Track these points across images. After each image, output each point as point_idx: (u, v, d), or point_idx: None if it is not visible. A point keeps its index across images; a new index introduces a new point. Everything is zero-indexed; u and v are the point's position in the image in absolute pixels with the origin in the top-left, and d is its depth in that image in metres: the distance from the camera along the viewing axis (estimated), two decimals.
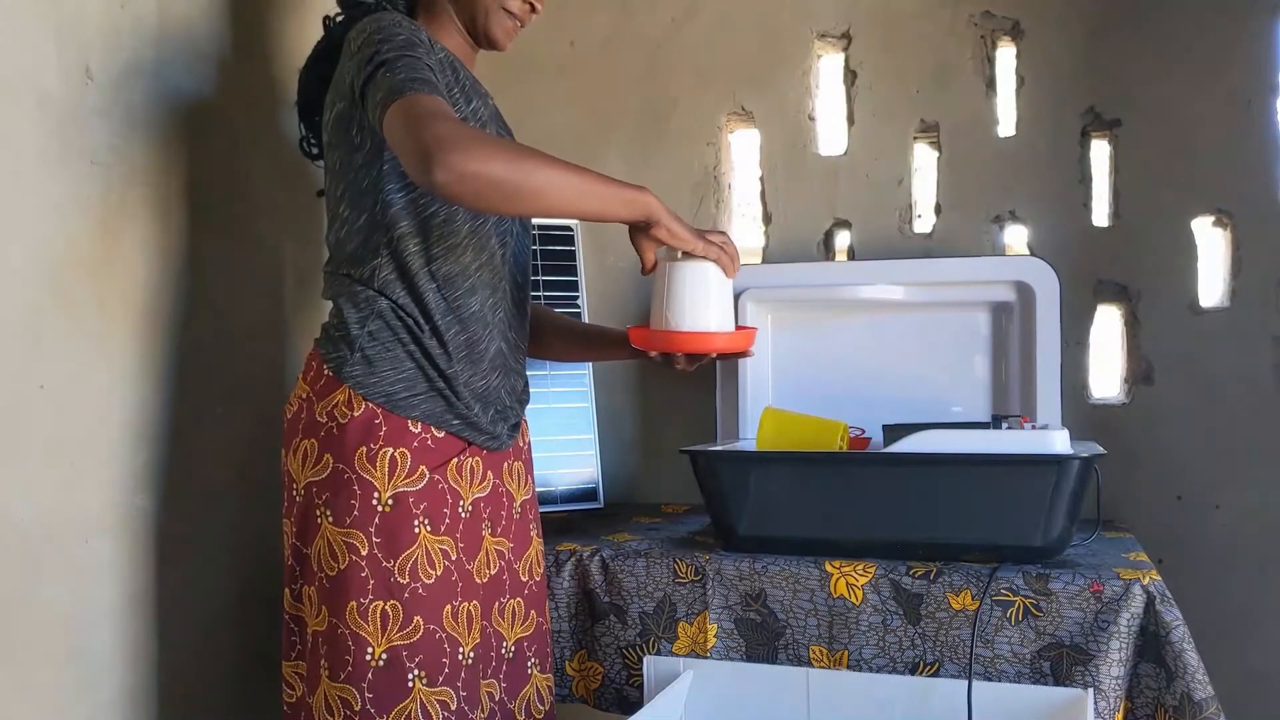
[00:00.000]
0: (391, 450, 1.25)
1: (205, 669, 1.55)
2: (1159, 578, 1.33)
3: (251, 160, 1.64)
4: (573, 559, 1.56)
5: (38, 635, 1.27)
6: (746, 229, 2.07)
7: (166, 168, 1.48)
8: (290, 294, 1.74)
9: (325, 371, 1.29)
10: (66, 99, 1.31)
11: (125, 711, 1.41)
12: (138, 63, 1.42)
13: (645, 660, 1.48)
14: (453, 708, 1.27)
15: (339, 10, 1.43)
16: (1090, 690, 1.28)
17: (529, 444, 1.51)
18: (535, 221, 1.74)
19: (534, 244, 1.88)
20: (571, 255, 1.94)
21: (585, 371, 1.91)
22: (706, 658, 1.46)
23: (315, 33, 1.46)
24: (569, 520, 1.82)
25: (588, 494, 1.88)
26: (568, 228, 1.95)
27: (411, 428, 1.27)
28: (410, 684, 1.23)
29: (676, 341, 1.29)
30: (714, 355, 1.34)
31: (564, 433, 1.86)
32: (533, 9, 1.39)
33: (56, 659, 1.30)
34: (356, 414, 1.25)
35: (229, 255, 1.60)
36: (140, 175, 1.43)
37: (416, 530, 1.26)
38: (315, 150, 1.48)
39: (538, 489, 1.57)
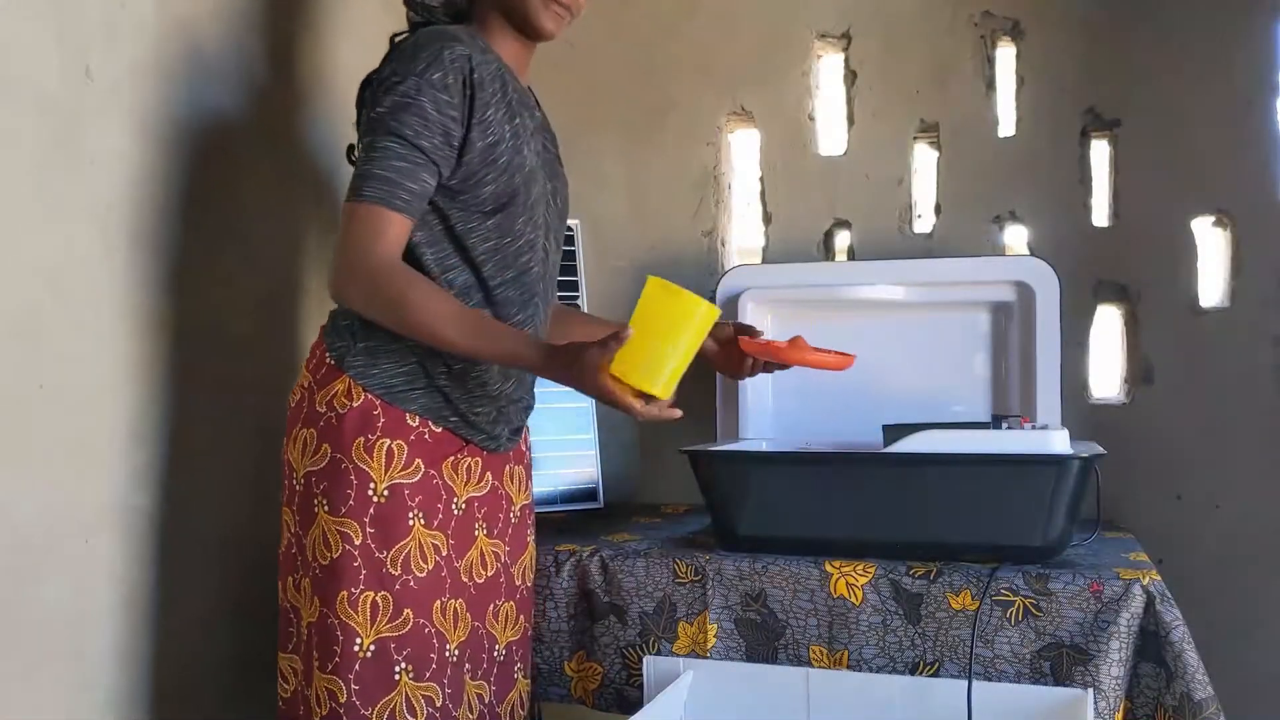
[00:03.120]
0: (389, 441, 1.26)
1: (204, 668, 1.54)
2: (1159, 578, 1.33)
3: (251, 160, 1.64)
4: (572, 559, 1.56)
5: (38, 635, 1.27)
6: (746, 229, 2.07)
7: (166, 168, 1.47)
8: (289, 293, 1.74)
9: (328, 360, 1.30)
10: (66, 99, 1.31)
11: (124, 711, 1.41)
12: (138, 63, 1.42)
13: (645, 660, 1.48)
14: (438, 704, 1.27)
15: (409, 26, 1.43)
16: (1090, 690, 1.28)
17: (529, 449, 1.51)
18: None
19: None
20: (571, 255, 1.94)
21: None
22: (706, 658, 1.46)
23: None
24: (569, 520, 1.82)
25: (588, 494, 1.88)
26: (568, 227, 1.95)
27: (409, 421, 1.28)
28: (397, 677, 1.24)
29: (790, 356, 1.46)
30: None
31: (564, 433, 1.86)
32: None
33: (56, 659, 1.30)
34: (355, 404, 1.26)
35: (228, 255, 1.59)
36: (140, 176, 1.43)
37: (411, 523, 1.26)
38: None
39: (538, 488, 1.57)
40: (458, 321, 1.21)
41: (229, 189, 1.60)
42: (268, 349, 1.68)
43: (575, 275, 1.95)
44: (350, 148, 1.48)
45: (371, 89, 1.28)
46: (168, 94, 1.48)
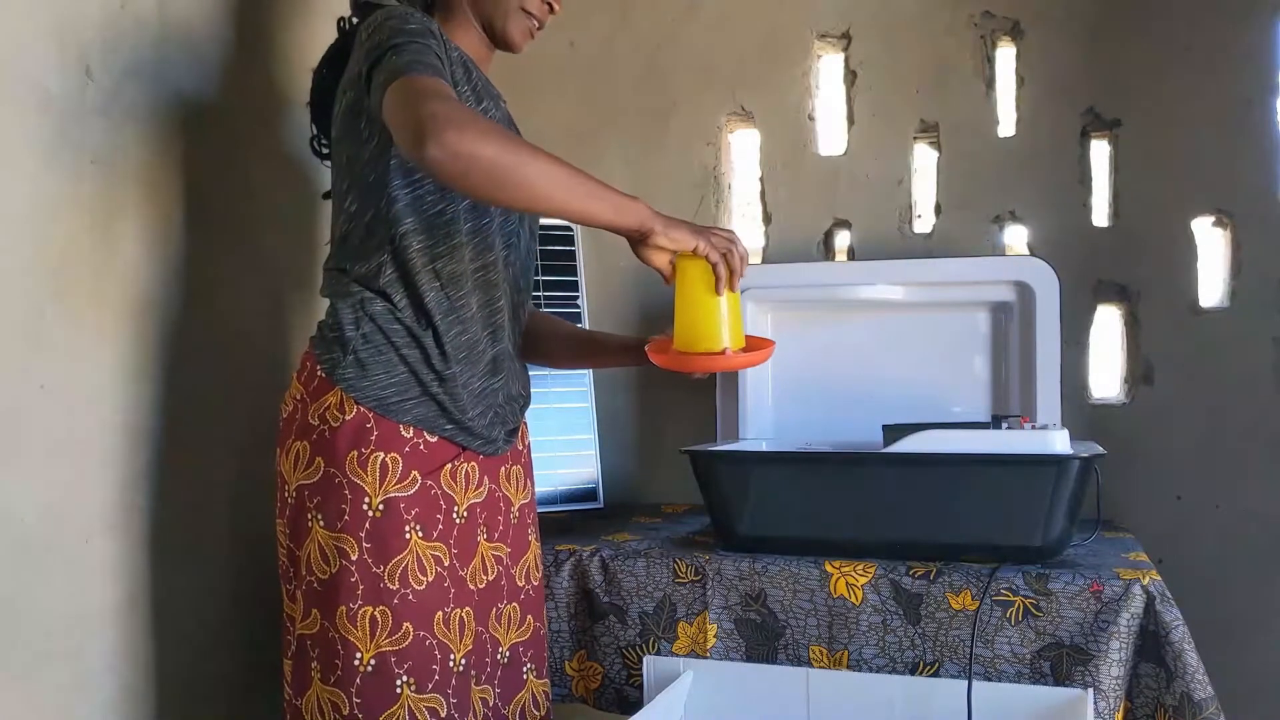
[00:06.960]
0: (383, 455, 1.24)
1: (205, 669, 1.55)
2: (1159, 578, 1.33)
3: (251, 160, 1.64)
4: (572, 559, 1.56)
5: (38, 635, 1.27)
6: (747, 229, 2.07)
7: (166, 167, 1.48)
8: (290, 294, 1.74)
9: (319, 373, 1.28)
10: (66, 99, 1.31)
11: (125, 711, 1.41)
12: (138, 63, 1.42)
13: (645, 660, 1.48)
14: (442, 714, 1.26)
15: (352, 12, 1.43)
16: (1090, 690, 1.28)
17: (529, 447, 1.50)
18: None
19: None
20: (571, 255, 1.94)
21: (585, 372, 1.91)
22: (706, 658, 1.46)
23: (317, 32, 1.46)
24: (569, 520, 1.82)
25: (588, 494, 1.88)
26: (568, 228, 1.95)
27: (404, 432, 1.26)
28: (399, 690, 1.23)
29: (691, 364, 1.32)
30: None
31: (564, 433, 1.86)
32: (551, 9, 1.39)
33: (56, 659, 1.30)
34: (348, 417, 1.24)
35: (229, 255, 1.59)
36: (140, 175, 1.43)
37: (408, 536, 1.25)
38: (325, 150, 1.46)
39: (538, 489, 1.57)
40: (570, 171, 1.13)
41: (230, 189, 1.60)
42: (270, 349, 1.68)
43: (575, 275, 1.94)
44: (314, 139, 1.47)
45: (359, 50, 1.24)
46: (168, 94, 1.48)
